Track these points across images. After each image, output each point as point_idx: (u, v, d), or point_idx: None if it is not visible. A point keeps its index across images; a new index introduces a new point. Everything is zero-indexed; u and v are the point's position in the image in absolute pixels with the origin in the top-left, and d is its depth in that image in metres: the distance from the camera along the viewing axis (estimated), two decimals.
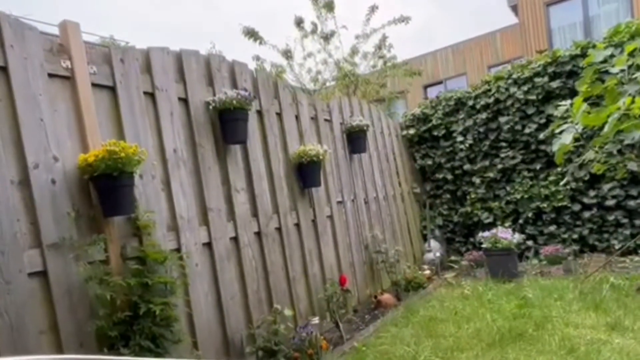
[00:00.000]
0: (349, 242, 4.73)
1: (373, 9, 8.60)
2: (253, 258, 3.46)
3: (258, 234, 3.57)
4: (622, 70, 3.05)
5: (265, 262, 3.57)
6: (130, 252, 2.54)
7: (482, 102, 5.95)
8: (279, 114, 4.02)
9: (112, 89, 2.65)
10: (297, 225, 4.03)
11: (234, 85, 3.51)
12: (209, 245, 3.12)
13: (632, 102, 2.93)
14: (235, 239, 3.34)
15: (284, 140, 4.02)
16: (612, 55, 3.20)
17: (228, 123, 3.22)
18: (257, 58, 8.67)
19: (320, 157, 4.02)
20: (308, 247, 4.08)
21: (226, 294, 3.15)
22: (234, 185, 3.38)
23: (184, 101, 3.10)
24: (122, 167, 2.32)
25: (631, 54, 3.03)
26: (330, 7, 8.33)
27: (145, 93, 2.83)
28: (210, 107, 3.21)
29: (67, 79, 2.43)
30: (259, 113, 3.77)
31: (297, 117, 4.24)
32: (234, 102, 3.13)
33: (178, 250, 2.87)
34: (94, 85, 2.54)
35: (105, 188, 2.38)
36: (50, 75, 2.35)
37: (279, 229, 3.80)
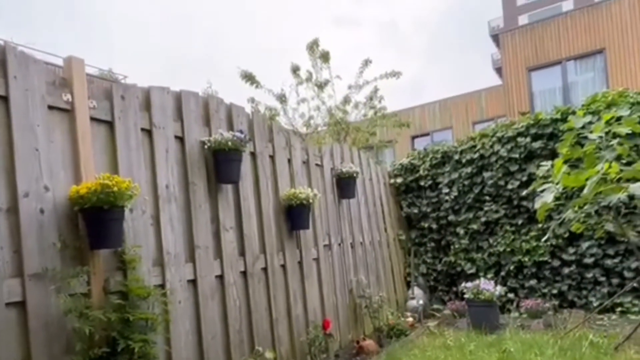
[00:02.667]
0: (333, 285, 4.63)
1: (366, 62, 8.83)
2: (237, 297, 3.35)
3: (244, 273, 3.48)
4: (600, 137, 3.13)
5: (249, 302, 3.46)
6: (113, 286, 2.45)
7: (468, 157, 6.01)
8: (272, 157, 4.01)
9: (111, 124, 2.63)
10: (284, 266, 3.94)
11: (230, 126, 3.52)
12: (193, 282, 3.02)
13: (610, 167, 2.99)
14: (220, 277, 3.25)
15: (275, 182, 3.99)
16: (590, 122, 3.29)
17: (222, 163, 3.19)
18: (252, 100, 8.80)
19: (310, 201, 3.99)
20: (293, 289, 3.98)
21: (207, 332, 3.03)
22: (223, 224, 3.32)
23: (180, 139, 3.09)
24: (113, 201, 2.27)
25: (608, 123, 3.12)
26: (326, 57, 8.54)
27: (142, 129, 2.81)
28: (206, 146, 3.19)
29: (67, 111, 2.41)
30: (253, 155, 3.76)
31: (289, 161, 4.23)
32: (229, 143, 3.12)
33: (162, 286, 2.77)
34: (92, 119, 2.52)
35: (95, 220, 2.31)
36: (50, 107, 2.33)
37: (265, 269, 3.71)
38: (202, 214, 3.15)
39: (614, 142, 3.11)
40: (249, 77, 8.45)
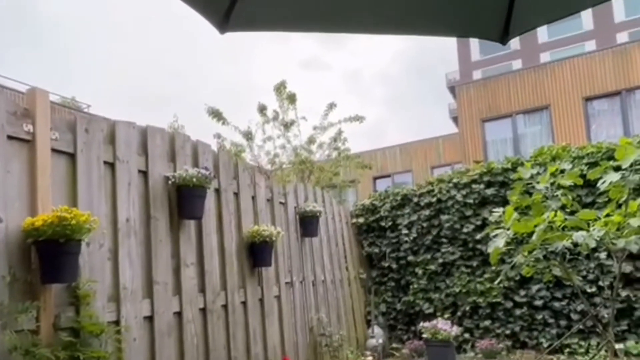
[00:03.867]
0: (294, 323, 4.50)
1: (331, 105, 8.98)
2: (195, 335, 3.19)
3: (203, 310, 3.33)
4: (546, 187, 3.26)
5: (208, 340, 3.30)
6: (64, 322, 2.29)
7: (426, 200, 6.11)
8: (237, 194, 3.94)
9: (72, 156, 2.52)
10: (244, 303, 3.81)
11: (196, 163, 3.45)
12: (150, 319, 2.86)
13: (555, 215, 3.10)
14: (179, 314, 3.10)
15: (238, 219, 3.91)
16: (537, 173, 3.42)
17: (186, 198, 3.11)
18: (219, 136, 8.73)
19: (273, 238, 3.92)
20: (253, 327, 3.84)
21: None
22: (184, 259, 3.20)
23: (144, 174, 2.99)
24: (70, 234, 2.15)
25: (553, 174, 3.26)
26: (292, 99, 8.64)
27: (105, 162, 2.71)
28: (170, 181, 3.10)
29: (27, 142, 2.30)
30: (217, 191, 3.68)
31: (253, 198, 4.17)
32: (194, 179, 3.05)
33: (117, 322, 2.61)
34: (54, 150, 2.41)
35: (49, 254, 2.17)
36: (10, 137, 2.22)
37: (225, 306, 3.57)
38: (162, 249, 3.02)
39: (559, 192, 3.25)
40: (216, 114, 8.43)
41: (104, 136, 2.73)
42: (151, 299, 2.88)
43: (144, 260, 2.88)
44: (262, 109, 8.70)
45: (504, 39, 1.41)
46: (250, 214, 4.09)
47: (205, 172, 3.13)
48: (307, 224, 4.92)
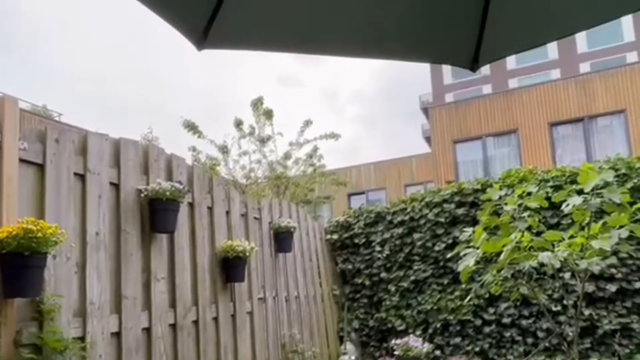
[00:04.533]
0: (266, 340, 4.41)
1: (307, 122, 8.99)
2: (164, 352, 3.08)
3: (173, 326, 3.22)
4: (514, 209, 3.33)
5: (177, 357, 3.19)
6: (26, 338, 2.17)
7: (399, 219, 6.14)
8: (210, 208, 3.86)
9: (42, 167, 2.43)
10: (216, 319, 3.71)
11: (170, 176, 3.37)
12: (118, 335, 2.75)
13: (522, 236, 3.16)
14: (148, 330, 2.99)
15: (212, 234, 3.83)
16: (506, 194, 3.50)
17: (158, 212, 3.02)
18: (194, 149, 8.59)
19: (247, 254, 3.85)
20: (224, 343, 3.73)
21: None
22: (154, 274, 3.10)
23: (116, 186, 2.90)
24: (36, 247, 2.05)
25: (520, 196, 3.34)
26: (269, 115, 8.62)
27: (75, 174, 2.62)
28: (142, 194, 3.01)
29: None
30: (191, 205, 3.60)
31: (227, 213, 4.10)
32: (167, 193, 2.98)
33: (82, 339, 2.49)
34: (22, 160, 2.32)
35: (12, 267, 2.07)
36: None
37: (196, 322, 3.46)
38: (132, 263, 2.92)
39: (525, 214, 3.32)
40: (192, 127, 8.32)
41: (75, 147, 2.64)
42: (119, 314, 2.77)
43: (113, 274, 2.78)
44: (238, 124, 8.63)
45: (474, 66, 1.46)
46: (224, 229, 4.01)
47: (179, 186, 3.06)
48: (282, 239, 4.87)
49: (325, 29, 1.39)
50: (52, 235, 2.11)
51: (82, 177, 2.66)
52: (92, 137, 2.77)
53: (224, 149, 8.47)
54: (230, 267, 3.85)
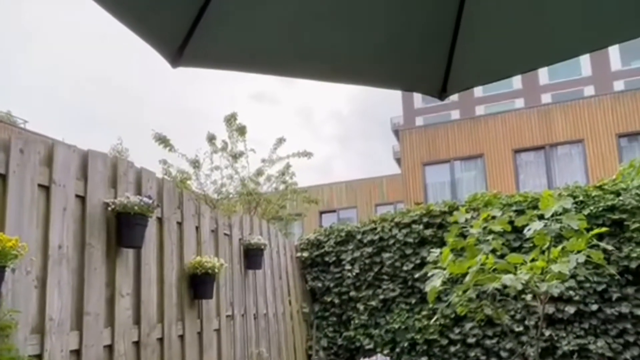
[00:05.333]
0: (233, 358, 4.28)
1: (280, 140, 8.95)
2: None
3: (137, 344, 3.09)
4: (479, 232, 3.40)
5: None
6: None
7: (369, 238, 6.15)
8: (180, 223, 3.77)
9: (4, 177, 2.31)
10: (182, 336, 3.58)
11: (139, 190, 3.27)
12: (77, 352, 2.61)
13: (487, 259, 3.21)
14: (110, 348, 2.85)
15: (181, 249, 3.72)
16: (472, 217, 3.58)
17: (126, 226, 2.92)
18: (165, 162, 8.38)
19: (216, 270, 3.76)
20: None
21: None
22: (119, 289, 2.97)
23: (82, 199, 2.79)
24: None
25: (485, 220, 3.42)
26: (242, 131, 8.53)
27: (40, 186, 2.50)
28: (110, 208, 2.91)
29: None
30: (160, 220, 3.50)
31: (197, 228, 4.01)
32: (136, 207, 2.88)
33: (40, 356, 2.36)
34: None
35: None
36: None
37: (161, 340, 3.33)
38: (96, 278, 2.80)
39: (490, 237, 3.39)
40: (163, 140, 8.14)
41: (40, 158, 2.53)
42: (80, 330, 2.64)
43: (75, 289, 2.65)
44: (211, 139, 8.51)
45: (442, 95, 1.52)
46: (193, 245, 3.92)
47: (148, 200, 2.97)
48: (252, 256, 4.79)
49: (301, 53, 1.40)
50: (12, 248, 2.01)
51: (46, 189, 2.55)
52: (59, 148, 2.67)
53: (196, 163, 8.31)
54: (199, 284, 3.75)
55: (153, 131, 8.19)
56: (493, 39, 1.44)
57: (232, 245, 4.58)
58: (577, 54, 1.46)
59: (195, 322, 3.77)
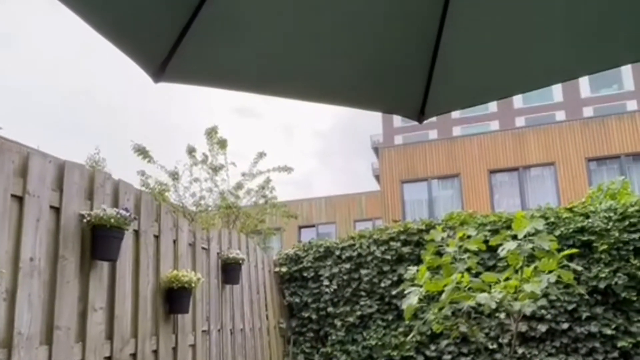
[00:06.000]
0: None
1: (261, 155, 8.89)
2: None
3: (109, 359, 2.98)
4: (455, 250, 3.43)
5: None
6: None
7: (347, 254, 6.14)
8: (157, 237, 3.68)
9: None
10: (156, 352, 3.47)
11: (116, 203, 3.19)
12: None
13: (462, 277, 3.24)
14: None
15: (157, 263, 3.63)
16: (448, 236, 3.61)
17: (101, 239, 2.84)
18: (143, 173, 8.22)
19: (193, 285, 3.67)
20: None
21: None
22: (92, 303, 2.87)
23: (57, 210, 2.70)
24: None
25: (461, 239, 3.46)
26: (223, 145, 8.45)
27: (13, 196, 2.42)
28: (85, 220, 2.83)
29: None
30: (136, 232, 3.41)
31: (175, 242, 3.92)
32: (112, 220, 2.81)
33: None
34: None
35: None
36: None
37: (134, 355, 3.22)
38: (69, 292, 2.70)
39: (465, 256, 3.43)
40: (142, 152, 7.99)
41: (14, 168, 2.45)
42: (50, 345, 2.53)
43: (46, 302, 2.55)
44: (191, 151, 8.40)
45: (420, 118, 1.56)
46: (171, 258, 3.83)
47: (125, 213, 2.90)
48: (230, 270, 4.71)
49: (284, 73, 1.41)
50: None
51: (20, 200, 2.46)
52: (34, 158, 2.59)
53: (175, 175, 8.17)
54: (175, 298, 3.66)
55: (132, 142, 8.04)
56: (469, 67, 1.49)
57: (209, 259, 4.50)
58: (550, 83, 1.52)
59: (170, 337, 3.66)
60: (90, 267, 2.89)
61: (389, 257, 5.84)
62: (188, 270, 3.82)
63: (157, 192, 7.78)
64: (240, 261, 4.75)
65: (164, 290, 3.63)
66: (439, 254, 3.62)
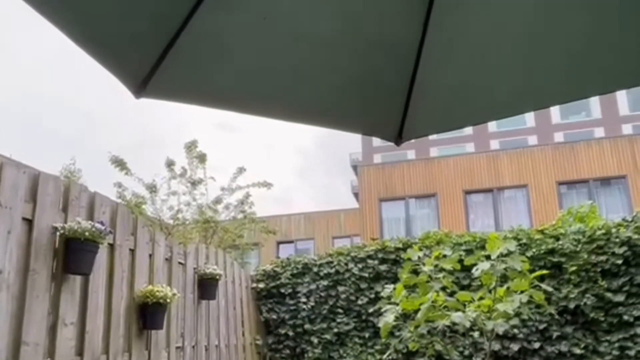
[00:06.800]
0: None
1: (241, 170, 8.83)
2: None
3: None
4: (431, 269, 3.45)
5: None
6: None
7: (325, 271, 6.10)
8: (133, 251, 3.58)
9: None
10: None
11: (91, 215, 3.10)
12: None
13: (438, 296, 3.26)
14: None
15: (132, 277, 3.53)
16: (425, 255, 3.64)
17: (74, 252, 2.75)
18: (120, 185, 8.04)
19: (168, 300, 3.58)
20: None
21: None
22: (62, 318, 2.76)
23: (29, 222, 2.61)
24: None
25: (437, 258, 3.49)
26: (202, 159, 8.37)
27: None
28: (59, 232, 2.74)
29: None
30: (112, 246, 3.32)
31: (151, 256, 3.83)
32: (87, 233, 2.72)
33: None
34: None
35: None
36: None
37: None
38: (38, 306, 2.59)
39: (441, 275, 3.46)
40: (120, 163, 7.84)
41: None
42: None
43: (14, 317, 2.44)
44: (170, 164, 8.27)
45: (398, 141, 1.59)
46: (146, 273, 3.73)
47: (101, 226, 2.82)
48: (206, 286, 4.61)
49: (264, 93, 1.42)
50: None
51: None
52: (7, 169, 2.50)
53: (152, 188, 8.01)
54: (149, 314, 3.55)
55: (110, 153, 7.89)
56: (446, 94, 1.54)
57: (186, 274, 4.41)
58: (522, 112, 1.58)
59: (142, 354, 3.55)
60: (63, 280, 2.79)
61: (366, 274, 5.83)
62: (163, 285, 3.73)
63: (134, 205, 7.61)
64: (217, 277, 4.66)
65: (138, 306, 3.53)
66: (416, 272, 3.64)
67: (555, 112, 31.21)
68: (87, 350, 2.95)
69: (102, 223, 2.88)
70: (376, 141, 34.51)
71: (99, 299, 3.11)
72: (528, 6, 1.29)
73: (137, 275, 3.58)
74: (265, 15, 1.20)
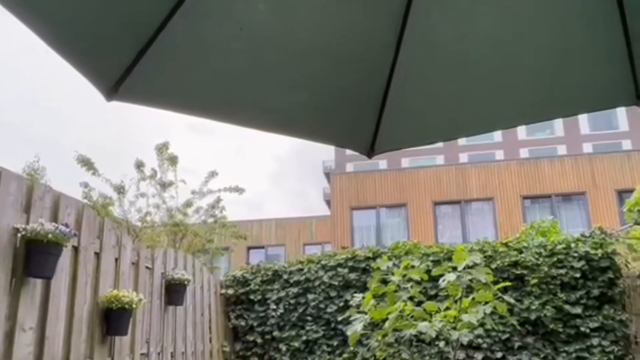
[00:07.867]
0: None
1: (212, 174, 8.68)
2: None
3: None
4: (399, 279, 3.48)
5: None
6: None
7: (295, 278, 6.06)
8: (98, 254, 3.46)
9: None
10: None
11: (55, 217, 2.97)
12: None
13: (405, 305, 3.28)
14: None
15: (97, 282, 3.41)
16: (394, 265, 3.66)
17: (36, 255, 2.63)
18: (86, 185, 7.76)
19: (134, 305, 3.47)
20: None
21: None
22: (20, 323, 2.63)
23: None
24: None
25: (405, 268, 3.52)
26: (173, 161, 8.18)
27: None
28: (20, 234, 2.62)
29: None
30: (76, 249, 3.19)
31: (117, 260, 3.71)
32: (50, 235, 2.61)
33: None
34: None
35: None
36: None
37: None
38: None
39: (409, 285, 3.49)
40: (87, 163, 7.57)
41: None
42: None
43: None
44: (139, 165, 8.03)
45: (369, 154, 1.60)
46: (111, 277, 3.61)
47: (65, 229, 2.71)
48: (174, 291, 4.50)
49: (238, 102, 1.41)
50: None
51: None
52: None
53: (120, 189, 7.76)
54: (113, 319, 3.43)
55: (76, 152, 7.61)
56: (418, 109, 1.58)
57: (153, 279, 4.29)
58: (491, 130, 1.62)
59: None
60: (22, 284, 2.66)
61: (336, 282, 5.82)
62: (129, 290, 3.62)
63: (101, 206, 7.35)
64: (185, 282, 4.56)
65: (102, 311, 3.41)
66: (385, 282, 3.66)
67: (521, 128, 32.26)
68: (47, 356, 2.82)
69: (66, 225, 2.78)
70: (349, 150, 34.72)
71: (60, 304, 2.99)
72: (497, 29, 1.33)
73: (102, 280, 3.45)
74: (241, 26, 1.19)
